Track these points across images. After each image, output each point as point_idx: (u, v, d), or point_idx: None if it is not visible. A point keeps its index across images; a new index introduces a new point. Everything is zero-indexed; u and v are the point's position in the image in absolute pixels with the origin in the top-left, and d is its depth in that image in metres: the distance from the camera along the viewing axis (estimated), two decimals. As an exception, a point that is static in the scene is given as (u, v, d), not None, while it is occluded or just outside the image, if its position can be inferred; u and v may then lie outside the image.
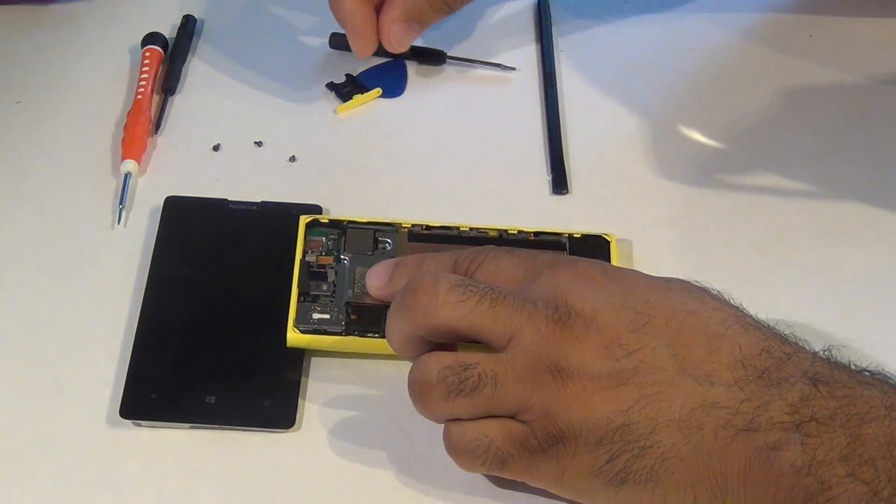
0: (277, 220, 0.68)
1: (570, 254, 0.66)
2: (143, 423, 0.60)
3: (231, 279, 0.65)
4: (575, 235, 0.67)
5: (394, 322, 0.58)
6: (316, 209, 0.69)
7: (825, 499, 0.50)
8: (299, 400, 0.61)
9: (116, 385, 0.61)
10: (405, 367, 0.61)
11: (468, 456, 0.55)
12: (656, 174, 0.73)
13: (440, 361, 0.55)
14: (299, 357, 0.63)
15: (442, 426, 0.56)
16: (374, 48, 0.74)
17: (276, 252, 0.66)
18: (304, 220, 0.66)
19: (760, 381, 0.53)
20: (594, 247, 0.66)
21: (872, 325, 0.65)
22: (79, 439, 0.60)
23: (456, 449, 0.56)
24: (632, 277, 0.58)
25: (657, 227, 0.70)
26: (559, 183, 0.72)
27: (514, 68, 0.79)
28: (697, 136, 0.75)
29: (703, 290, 0.57)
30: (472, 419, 0.55)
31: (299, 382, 0.62)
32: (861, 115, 0.77)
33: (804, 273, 0.68)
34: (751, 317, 0.56)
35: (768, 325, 0.56)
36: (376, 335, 0.62)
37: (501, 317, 0.55)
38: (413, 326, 0.57)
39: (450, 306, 0.55)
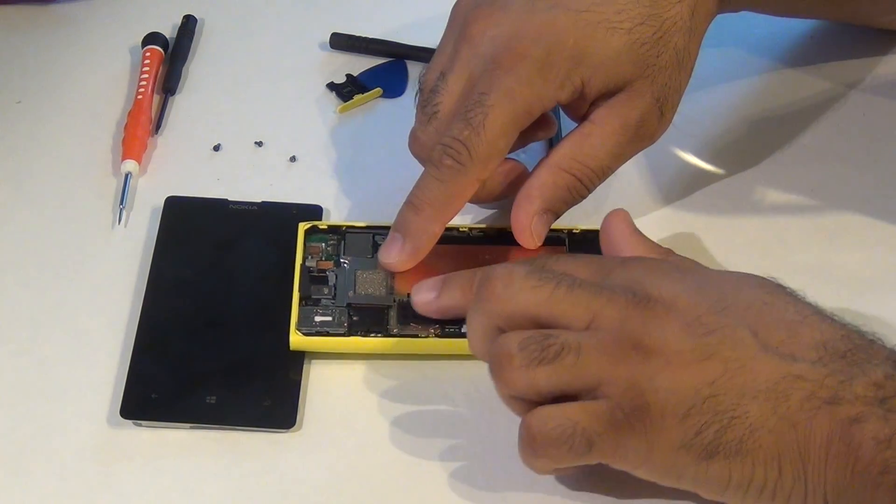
0: (277, 220, 0.68)
1: (569, 250, 0.66)
2: (143, 423, 0.60)
3: (231, 279, 0.65)
4: (575, 231, 0.67)
5: (473, 320, 0.57)
6: (316, 209, 0.69)
7: None
8: (299, 400, 0.61)
9: (116, 385, 0.61)
10: (405, 367, 0.62)
11: (553, 444, 0.54)
12: (655, 174, 0.73)
13: (521, 333, 0.55)
14: (299, 357, 0.62)
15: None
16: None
17: (276, 252, 0.66)
18: (302, 227, 0.66)
19: (843, 360, 0.53)
20: (594, 243, 0.66)
21: (872, 326, 0.65)
22: (79, 439, 0.60)
23: (540, 440, 0.54)
24: (704, 272, 0.59)
25: (657, 226, 0.70)
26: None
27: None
28: (697, 136, 0.75)
29: (777, 285, 0.57)
30: (551, 404, 0.54)
31: (299, 382, 0.62)
32: (861, 115, 0.77)
33: (804, 274, 0.68)
34: (827, 312, 0.56)
35: (845, 321, 0.56)
36: (378, 335, 0.62)
37: (581, 301, 0.55)
38: (491, 317, 0.56)
39: (527, 291, 0.55)
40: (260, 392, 0.61)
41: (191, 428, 0.60)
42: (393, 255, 0.63)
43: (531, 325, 0.55)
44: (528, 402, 0.55)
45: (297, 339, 0.62)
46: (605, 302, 0.55)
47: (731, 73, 0.79)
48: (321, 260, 0.65)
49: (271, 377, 0.61)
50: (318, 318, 0.62)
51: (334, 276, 0.64)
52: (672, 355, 0.53)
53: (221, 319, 0.64)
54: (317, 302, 0.63)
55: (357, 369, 0.63)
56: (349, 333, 0.62)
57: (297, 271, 0.64)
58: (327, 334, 0.62)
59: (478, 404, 0.61)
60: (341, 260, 0.65)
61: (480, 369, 0.62)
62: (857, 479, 0.51)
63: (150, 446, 0.60)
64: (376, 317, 0.63)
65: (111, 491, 0.58)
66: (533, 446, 0.54)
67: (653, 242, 0.63)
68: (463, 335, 0.60)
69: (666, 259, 0.62)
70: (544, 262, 0.60)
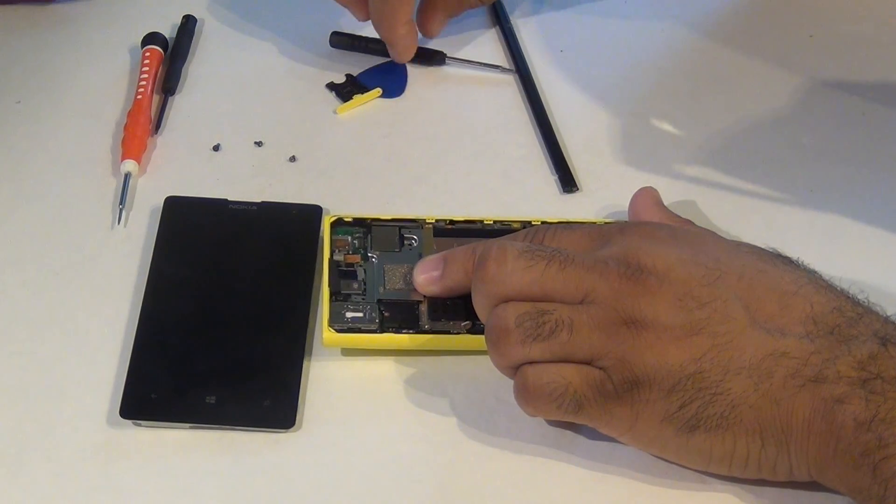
0: (277, 220, 0.68)
1: None
2: (143, 423, 0.60)
3: (231, 279, 0.65)
4: (599, 224, 0.67)
5: (475, 299, 0.59)
6: (316, 209, 0.69)
7: (881, 456, 0.51)
8: (299, 400, 0.61)
9: (116, 385, 0.61)
10: (405, 365, 0.62)
11: (544, 398, 0.56)
12: (654, 175, 0.73)
13: (517, 308, 0.56)
14: (299, 357, 0.62)
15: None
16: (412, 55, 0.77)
17: (276, 252, 0.66)
18: (328, 219, 0.66)
19: (831, 336, 0.54)
20: None
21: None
22: (79, 439, 0.60)
23: (532, 391, 0.56)
24: (702, 237, 0.60)
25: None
26: (567, 181, 0.72)
27: (512, 70, 0.79)
28: (698, 138, 0.75)
29: (775, 255, 0.58)
30: (548, 362, 0.56)
31: (299, 382, 0.62)
32: (861, 115, 0.77)
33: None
34: (823, 279, 0.57)
35: (841, 288, 0.57)
36: (411, 331, 0.62)
37: (572, 278, 0.56)
38: (488, 297, 0.57)
39: (519, 272, 0.56)
40: (259, 392, 0.61)
41: (190, 428, 0.60)
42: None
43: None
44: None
45: (329, 337, 0.61)
46: (596, 277, 0.56)
47: (731, 73, 0.79)
48: (348, 254, 0.65)
49: (271, 377, 0.61)
50: (349, 315, 0.62)
51: (363, 271, 0.64)
52: (662, 331, 0.54)
53: (221, 319, 0.64)
54: (346, 297, 0.63)
55: (357, 369, 0.63)
56: (382, 330, 0.62)
57: (326, 266, 0.64)
58: (360, 331, 0.62)
59: (477, 402, 0.61)
60: (369, 254, 0.65)
61: (479, 367, 0.62)
62: (838, 458, 0.52)
63: (149, 446, 0.60)
64: (408, 312, 0.62)
65: (111, 491, 0.58)
66: (525, 395, 0.56)
67: (672, 213, 0.65)
68: None
69: (667, 224, 0.63)
70: (543, 235, 0.61)
